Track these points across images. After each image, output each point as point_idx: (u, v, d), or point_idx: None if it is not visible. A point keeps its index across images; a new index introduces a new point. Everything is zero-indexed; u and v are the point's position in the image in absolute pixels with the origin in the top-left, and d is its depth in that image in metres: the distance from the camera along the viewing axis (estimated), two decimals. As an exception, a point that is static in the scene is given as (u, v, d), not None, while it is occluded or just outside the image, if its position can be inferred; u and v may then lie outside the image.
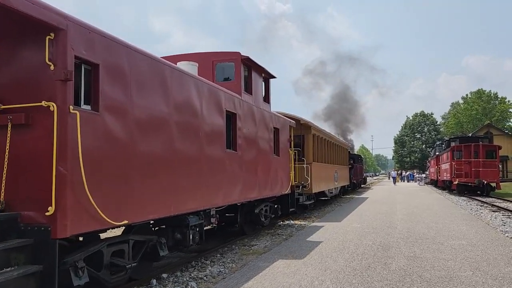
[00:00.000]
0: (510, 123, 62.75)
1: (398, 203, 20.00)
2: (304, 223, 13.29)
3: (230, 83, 9.33)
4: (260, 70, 10.79)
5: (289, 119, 13.20)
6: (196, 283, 6.46)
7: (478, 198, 22.90)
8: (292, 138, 13.23)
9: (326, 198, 20.55)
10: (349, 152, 35.52)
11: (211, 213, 8.10)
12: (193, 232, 7.03)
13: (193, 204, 6.93)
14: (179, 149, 6.46)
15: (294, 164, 13.41)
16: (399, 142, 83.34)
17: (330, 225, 12.27)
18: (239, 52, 9.69)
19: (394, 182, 48.06)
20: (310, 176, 14.92)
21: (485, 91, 68.08)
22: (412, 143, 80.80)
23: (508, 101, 65.50)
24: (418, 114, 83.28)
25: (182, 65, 7.87)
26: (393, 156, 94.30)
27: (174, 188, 6.27)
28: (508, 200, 21.18)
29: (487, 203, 19.68)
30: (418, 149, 79.51)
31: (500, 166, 30.42)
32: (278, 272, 6.73)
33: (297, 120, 14.82)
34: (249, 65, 10.12)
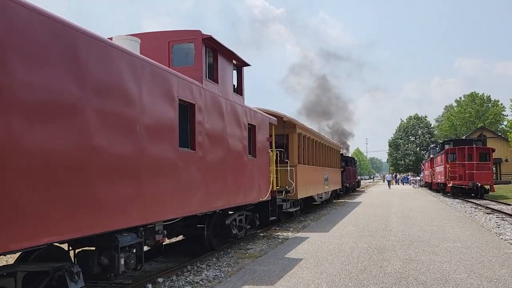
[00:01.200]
0: (503, 126, 63.18)
1: (392, 207, 19.48)
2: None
3: (188, 69, 7.62)
4: (230, 56, 9.01)
5: (269, 116, 11.55)
6: (191, 287, 6.45)
7: (472, 200, 22.81)
8: (273, 137, 11.67)
9: (316, 203, 19.20)
10: (342, 154, 33.84)
11: (156, 229, 6.37)
12: (126, 254, 5.47)
13: (126, 218, 5.33)
14: (102, 146, 4.87)
15: (276, 166, 11.89)
16: (394, 145, 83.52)
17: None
18: (199, 31, 7.86)
19: (389, 186, 46.41)
20: (295, 180, 13.37)
21: (478, 94, 68.46)
22: (407, 146, 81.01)
23: (501, 104, 66.03)
24: (412, 117, 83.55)
25: (117, 40, 6.33)
26: (387, 159, 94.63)
27: (94, 198, 4.74)
28: (502, 203, 21.17)
29: (481, 205, 19.60)
30: (412, 152, 79.72)
31: (493, 168, 30.63)
32: (275, 276, 6.72)
33: (279, 117, 13.24)
34: (214, 47, 8.31)
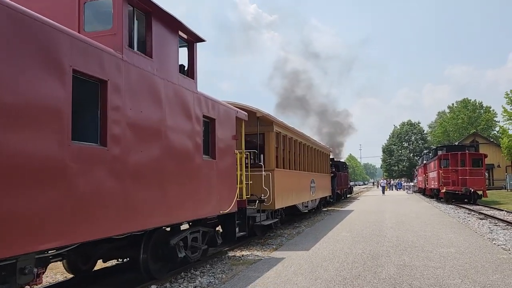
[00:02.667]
0: (495, 132, 63.76)
1: (386, 212, 19.19)
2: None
3: (105, 34, 5.57)
4: (174, 25, 6.83)
5: (236, 109, 9.38)
6: (185, 294, 6.39)
7: (465, 206, 22.72)
8: (243, 135, 9.83)
9: (302, 213, 17.40)
10: (333, 159, 32.12)
11: (20, 267, 4.08)
12: None
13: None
14: None
15: (247, 171, 10.16)
16: (387, 151, 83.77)
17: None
18: None
19: (383, 192, 44.51)
20: (271, 187, 11.27)
21: (470, 100, 69.10)
22: (400, 151, 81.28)
23: (493, 110, 66.69)
24: (405, 123, 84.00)
25: None
26: (381, 165, 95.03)
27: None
28: (495, 208, 21.20)
29: (474, 211, 19.63)
30: (406, 158, 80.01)
31: (486, 174, 30.88)
32: (269, 282, 6.68)
33: (252, 112, 10.98)
34: (147, 9, 6.16)
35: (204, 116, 7.72)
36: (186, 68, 7.52)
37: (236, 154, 9.21)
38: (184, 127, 7.01)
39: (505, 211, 19.29)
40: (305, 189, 16.40)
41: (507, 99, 46.42)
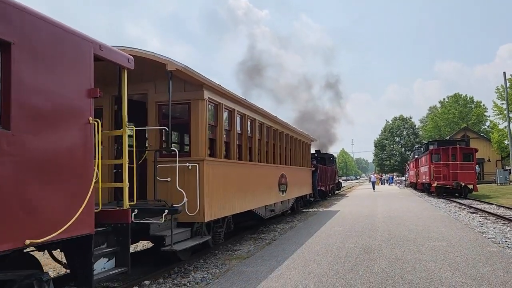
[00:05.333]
0: (485, 127, 64.49)
1: (379, 209, 18.73)
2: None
3: None
4: None
5: (94, 41, 4.91)
6: (179, 289, 6.40)
7: (456, 200, 22.85)
8: (125, 95, 5.50)
9: (269, 219, 13.46)
10: (319, 150, 30.03)
11: None
12: None
13: None
14: None
15: (138, 159, 6.74)
16: (379, 145, 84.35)
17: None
18: None
19: (373, 187, 40.74)
20: (200, 188, 7.47)
21: (461, 95, 69.80)
22: (392, 146, 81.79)
23: (483, 105, 67.42)
24: (397, 118, 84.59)
25: None
26: (373, 160, 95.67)
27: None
28: (485, 202, 21.32)
29: (465, 205, 19.71)
30: (397, 153, 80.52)
31: (477, 168, 31.25)
32: (262, 277, 6.69)
33: (159, 63, 7.24)
34: None
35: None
36: None
37: (91, 123, 4.68)
38: None
39: (495, 205, 19.55)
40: (270, 188, 12.25)
41: (498, 94, 46.89)
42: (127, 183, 5.45)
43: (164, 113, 8.02)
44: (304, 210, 19.45)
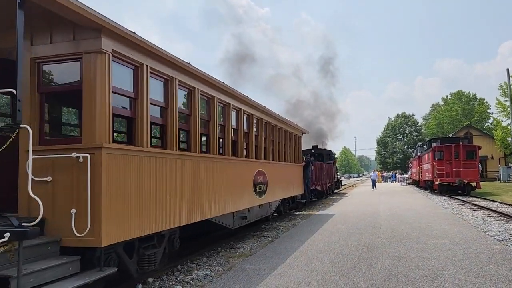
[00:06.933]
0: (488, 124, 64.28)
1: (381, 207, 18.44)
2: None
3: None
4: None
5: None
6: (182, 287, 6.38)
7: (459, 197, 22.75)
8: None
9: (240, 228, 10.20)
10: (317, 146, 28.47)
11: None
12: None
13: None
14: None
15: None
16: (382, 143, 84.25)
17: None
18: None
19: (374, 186, 36.39)
20: (93, 193, 4.80)
21: (464, 92, 69.59)
22: (394, 144, 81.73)
23: (486, 102, 67.18)
24: (400, 116, 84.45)
25: None
26: (376, 157, 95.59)
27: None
28: (488, 199, 21.20)
29: (468, 202, 19.62)
30: (400, 150, 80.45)
31: (480, 166, 31.19)
32: (265, 274, 6.69)
33: None
34: None
35: None
36: None
37: None
38: None
39: (499, 202, 19.50)
40: (241, 189, 9.58)
41: (501, 91, 46.70)
42: None
43: (47, 76, 5.48)
44: (297, 212, 17.18)
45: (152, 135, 7.12)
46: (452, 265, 6.88)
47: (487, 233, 10.37)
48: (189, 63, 7.09)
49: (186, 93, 7.36)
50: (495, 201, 20.01)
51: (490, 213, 15.30)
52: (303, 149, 24.91)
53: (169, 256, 7.17)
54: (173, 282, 6.59)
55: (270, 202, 12.50)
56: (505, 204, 18.53)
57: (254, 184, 10.49)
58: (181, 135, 8.20)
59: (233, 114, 9.51)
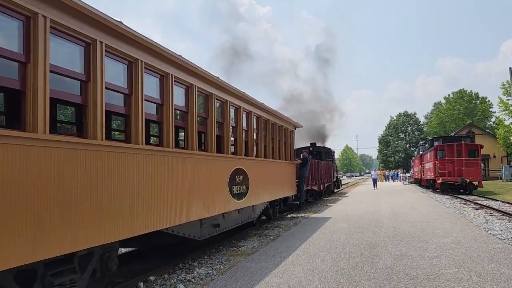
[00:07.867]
0: (491, 123, 64.12)
1: (383, 206, 18.15)
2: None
3: None
4: None
5: None
6: (184, 285, 6.38)
7: (461, 196, 22.67)
8: None
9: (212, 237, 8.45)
10: (315, 144, 27.63)
11: None
12: None
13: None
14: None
15: None
16: (384, 142, 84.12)
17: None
18: None
19: (375, 185, 35.22)
20: None
21: (466, 91, 69.44)
22: (396, 142, 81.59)
23: (489, 101, 67.03)
24: (402, 114, 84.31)
25: None
26: (377, 156, 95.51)
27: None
28: (490, 198, 21.16)
29: (470, 201, 19.55)
30: (402, 149, 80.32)
31: (482, 164, 31.13)
32: (267, 273, 6.72)
33: None
34: None
35: None
36: None
37: None
38: None
39: (501, 201, 19.46)
40: (212, 190, 7.86)
41: (503, 89, 46.57)
42: None
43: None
44: (291, 215, 15.83)
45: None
46: (454, 264, 6.87)
47: (489, 232, 10.36)
48: (143, 38, 5.50)
49: (139, 71, 5.58)
50: (497, 200, 19.97)
51: (492, 212, 15.29)
52: (300, 146, 24.20)
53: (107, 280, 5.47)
54: (175, 280, 6.61)
55: (253, 206, 10.67)
56: (507, 203, 18.49)
57: (230, 185, 8.69)
58: (116, 123, 6.38)
59: (206, 102, 7.71)
